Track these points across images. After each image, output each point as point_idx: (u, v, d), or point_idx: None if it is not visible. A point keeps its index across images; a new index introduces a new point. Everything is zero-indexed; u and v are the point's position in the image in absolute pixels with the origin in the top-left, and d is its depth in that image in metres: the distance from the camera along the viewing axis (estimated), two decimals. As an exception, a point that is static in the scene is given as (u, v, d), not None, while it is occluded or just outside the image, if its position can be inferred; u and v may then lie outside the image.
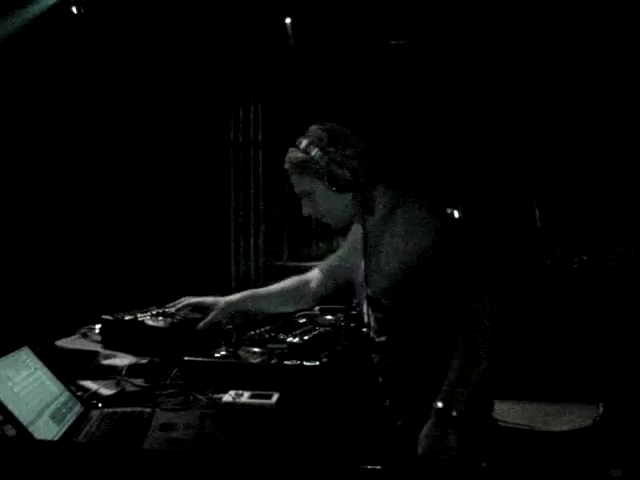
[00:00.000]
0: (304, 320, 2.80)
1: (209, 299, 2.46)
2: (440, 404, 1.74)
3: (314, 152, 1.94)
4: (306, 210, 2.07)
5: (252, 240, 9.00)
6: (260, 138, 8.32)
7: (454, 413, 1.72)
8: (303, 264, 8.66)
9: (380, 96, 7.60)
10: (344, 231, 2.20)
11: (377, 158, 2.01)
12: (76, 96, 5.54)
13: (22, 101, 5.07)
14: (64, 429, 1.75)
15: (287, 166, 2.02)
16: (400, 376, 1.97)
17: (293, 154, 2.00)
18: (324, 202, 2.00)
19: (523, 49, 7.01)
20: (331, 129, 1.98)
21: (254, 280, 8.93)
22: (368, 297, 2.02)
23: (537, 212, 7.42)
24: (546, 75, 7.31)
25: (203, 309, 2.44)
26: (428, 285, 1.86)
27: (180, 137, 6.65)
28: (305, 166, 1.96)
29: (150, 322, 2.60)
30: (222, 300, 2.43)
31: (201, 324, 2.37)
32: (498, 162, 8.00)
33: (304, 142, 1.97)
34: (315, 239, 10.04)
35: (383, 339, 2.00)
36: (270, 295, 2.48)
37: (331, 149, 1.94)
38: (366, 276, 2.00)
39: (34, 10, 5.00)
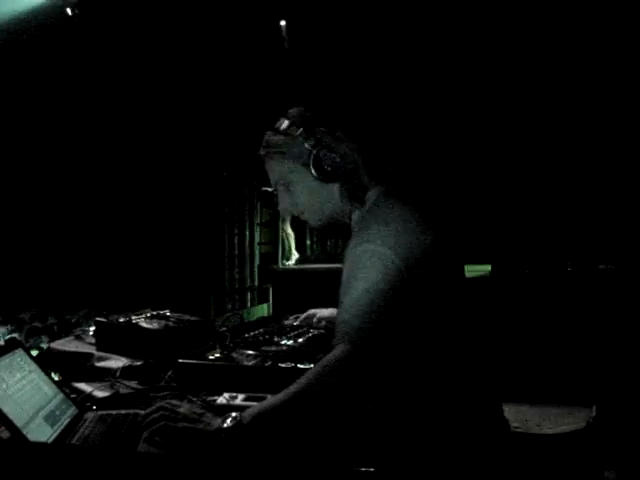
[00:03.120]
0: (298, 323, 2.80)
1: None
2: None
3: (298, 132, 1.67)
4: (283, 204, 1.78)
5: (247, 243, 9.01)
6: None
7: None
8: (298, 267, 8.69)
9: (376, 98, 7.63)
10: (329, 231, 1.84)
11: (369, 145, 1.71)
12: (68, 97, 5.53)
13: (14, 101, 5.06)
14: (58, 431, 1.75)
15: (263, 151, 1.75)
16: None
17: (272, 137, 1.72)
18: (305, 193, 1.72)
19: (523, 49, 7.05)
20: (317, 108, 1.70)
21: (249, 283, 8.94)
22: None
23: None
24: (544, 79, 7.35)
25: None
26: None
27: (175, 139, 6.65)
28: (286, 150, 1.68)
29: (144, 324, 2.60)
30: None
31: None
32: (495, 163, 8.05)
33: (285, 123, 1.70)
34: (310, 242, 10.06)
35: None
36: None
37: (319, 129, 1.66)
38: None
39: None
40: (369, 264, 1.48)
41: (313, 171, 1.65)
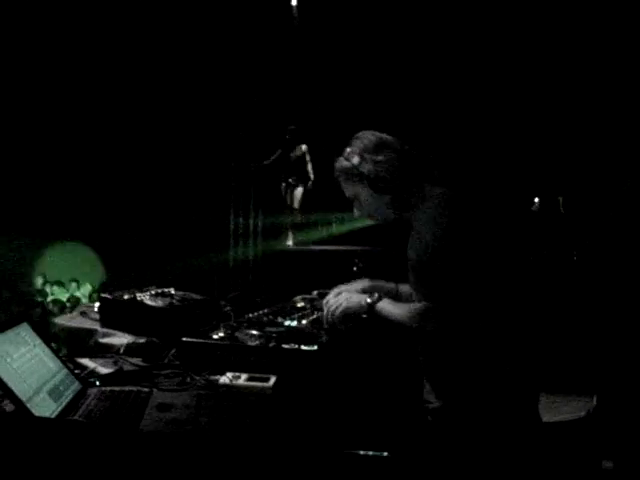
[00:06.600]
0: (302, 304, 2.79)
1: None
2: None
3: (355, 159, 2.14)
4: (356, 212, 2.29)
5: (251, 223, 9.00)
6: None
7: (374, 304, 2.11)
8: (303, 248, 8.69)
9: (384, 85, 7.59)
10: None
11: (414, 155, 2.16)
12: (63, 90, 5.50)
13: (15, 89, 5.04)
14: (62, 406, 1.76)
15: (336, 174, 2.24)
16: (435, 361, 2.10)
17: (339, 163, 2.20)
18: (369, 203, 2.19)
19: (533, 45, 6.99)
20: (371, 137, 2.16)
21: (252, 263, 8.95)
22: None
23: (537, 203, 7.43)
24: (557, 79, 7.30)
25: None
26: (434, 278, 1.97)
27: (181, 123, 6.62)
28: (349, 172, 2.16)
29: (149, 302, 2.60)
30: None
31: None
32: (507, 156, 8.03)
33: (347, 151, 2.18)
34: (315, 224, 10.05)
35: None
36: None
37: (370, 156, 2.13)
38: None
39: None
40: (450, 241, 1.97)
41: (369, 187, 2.13)
